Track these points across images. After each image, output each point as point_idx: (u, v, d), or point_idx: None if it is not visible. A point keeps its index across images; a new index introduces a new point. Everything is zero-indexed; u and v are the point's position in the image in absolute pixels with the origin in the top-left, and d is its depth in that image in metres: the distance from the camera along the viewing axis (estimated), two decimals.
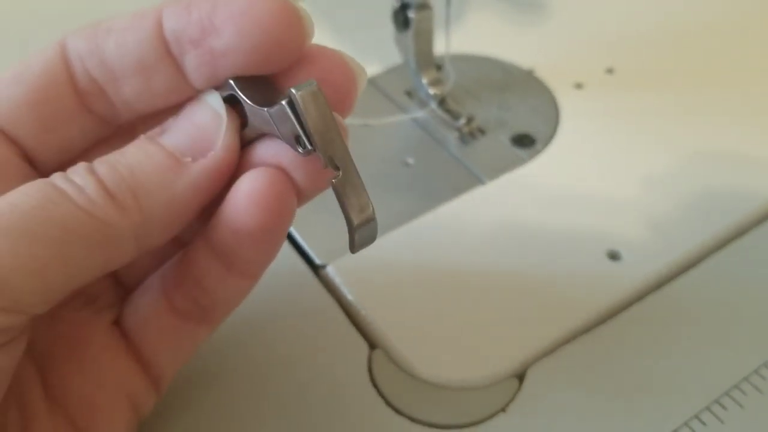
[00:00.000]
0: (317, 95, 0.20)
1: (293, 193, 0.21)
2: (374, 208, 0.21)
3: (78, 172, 0.20)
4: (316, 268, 0.31)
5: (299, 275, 0.31)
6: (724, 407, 0.26)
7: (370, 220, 0.21)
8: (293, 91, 0.19)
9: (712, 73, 0.40)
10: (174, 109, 0.23)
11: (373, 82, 0.40)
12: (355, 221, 0.21)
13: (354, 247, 0.21)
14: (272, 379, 0.28)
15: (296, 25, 0.20)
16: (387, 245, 0.31)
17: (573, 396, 0.27)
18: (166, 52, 0.21)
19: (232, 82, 0.21)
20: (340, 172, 0.20)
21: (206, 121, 0.21)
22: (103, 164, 0.20)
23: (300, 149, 0.20)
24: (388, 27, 0.37)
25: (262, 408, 0.27)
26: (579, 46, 0.42)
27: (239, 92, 0.21)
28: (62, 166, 0.22)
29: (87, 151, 0.23)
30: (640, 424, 0.26)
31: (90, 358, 0.23)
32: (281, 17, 0.20)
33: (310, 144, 0.20)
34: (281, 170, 0.21)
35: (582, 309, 0.29)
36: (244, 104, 0.21)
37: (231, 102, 0.21)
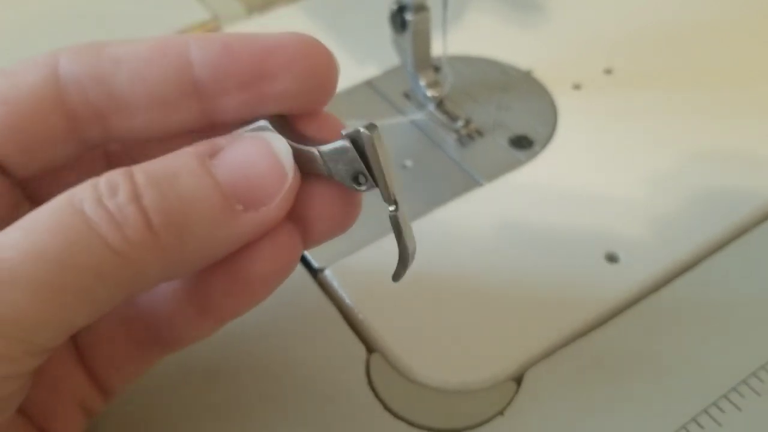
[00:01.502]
0: (381, 136, 0.21)
1: (299, 254, 0.22)
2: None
3: (119, 197, 0.18)
4: (314, 272, 0.31)
5: (297, 279, 0.31)
6: (721, 410, 0.26)
7: (415, 252, 0.23)
8: (363, 130, 0.20)
9: (710, 74, 0.40)
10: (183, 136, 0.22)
11: (371, 84, 0.40)
12: (410, 252, 0.22)
13: (399, 276, 0.23)
14: (270, 383, 0.28)
15: (335, 70, 0.21)
16: (385, 248, 0.31)
17: (571, 399, 0.27)
18: (191, 91, 0.21)
19: (267, 122, 0.21)
20: (399, 207, 0.21)
21: (269, 172, 0.20)
22: (151, 190, 0.18)
23: (358, 186, 0.21)
24: (386, 29, 0.37)
25: (261, 411, 0.27)
26: (577, 47, 0.42)
27: (279, 133, 0.21)
28: (43, 179, 0.21)
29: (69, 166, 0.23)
30: (638, 426, 0.26)
31: (45, 366, 0.22)
32: (326, 63, 0.21)
33: (375, 181, 0.21)
34: (293, 228, 0.21)
35: (580, 312, 0.29)
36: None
37: None
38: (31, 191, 0.23)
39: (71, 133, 0.21)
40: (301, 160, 0.21)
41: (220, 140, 0.20)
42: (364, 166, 0.21)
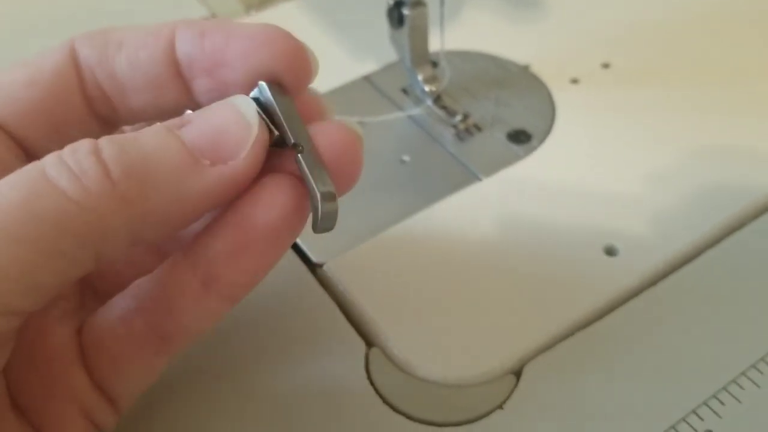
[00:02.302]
0: (280, 87, 0.21)
1: (307, 208, 0.21)
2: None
3: (79, 152, 0.19)
4: (313, 267, 0.31)
5: (296, 273, 0.31)
6: (721, 402, 0.26)
7: (333, 196, 0.21)
8: (260, 82, 0.21)
9: (707, 69, 0.40)
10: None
11: (369, 79, 0.40)
12: (319, 191, 0.21)
13: (318, 223, 0.21)
14: (270, 377, 0.28)
15: (304, 63, 0.21)
16: (383, 243, 0.31)
17: (570, 392, 0.27)
18: (177, 73, 0.22)
19: (265, 85, 0.21)
20: (302, 149, 0.21)
21: (232, 126, 0.20)
22: (112, 145, 0.19)
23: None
24: (384, 25, 0.37)
25: (260, 405, 0.27)
26: (574, 42, 0.42)
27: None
28: None
29: None
30: (638, 419, 0.26)
31: (44, 365, 0.22)
32: (292, 55, 0.21)
33: (277, 129, 0.21)
34: (294, 178, 0.21)
35: (579, 305, 0.29)
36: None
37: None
38: None
39: (89, 112, 0.22)
40: None
41: (189, 114, 0.21)
42: (269, 117, 0.21)
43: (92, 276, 0.24)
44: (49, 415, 0.22)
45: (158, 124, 0.20)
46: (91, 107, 0.23)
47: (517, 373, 0.28)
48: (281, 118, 0.21)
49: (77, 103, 0.22)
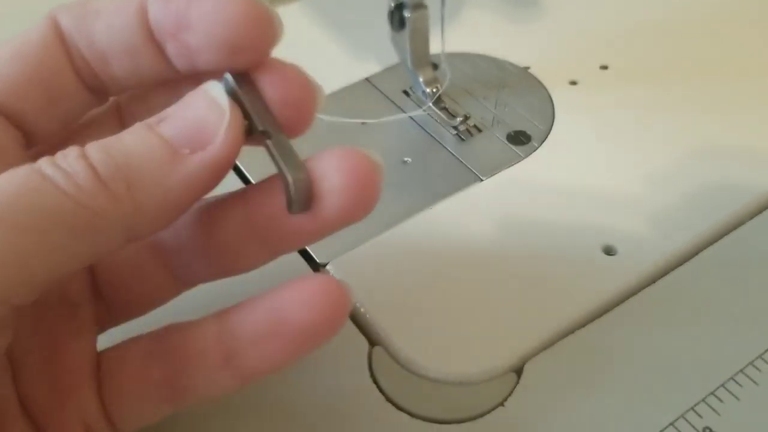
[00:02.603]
0: (246, 77, 0.21)
1: (349, 304, 0.21)
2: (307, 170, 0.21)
3: (68, 157, 0.19)
4: (317, 266, 0.31)
5: (300, 273, 0.31)
6: (720, 399, 0.26)
7: (304, 179, 0.21)
8: (225, 75, 0.21)
9: (704, 69, 0.40)
10: (161, 86, 0.24)
11: (370, 81, 0.40)
12: (292, 181, 0.21)
13: (290, 207, 0.21)
14: (273, 376, 0.27)
15: (265, 26, 0.21)
16: (385, 243, 0.32)
17: (570, 390, 0.27)
18: (150, 38, 0.22)
19: (230, 76, 0.21)
20: (271, 136, 0.21)
21: (206, 113, 0.21)
22: (97, 149, 0.20)
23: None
24: (385, 27, 0.37)
25: (263, 404, 0.27)
26: (573, 44, 0.42)
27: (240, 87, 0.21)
28: (58, 145, 0.21)
29: (83, 130, 0.24)
30: (637, 416, 0.26)
31: (57, 376, 0.22)
32: (251, 17, 0.21)
33: (244, 117, 0.21)
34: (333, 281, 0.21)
35: (578, 304, 0.30)
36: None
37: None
38: None
39: (79, 82, 0.23)
40: None
41: (167, 110, 0.21)
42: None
43: (106, 291, 0.24)
44: (54, 426, 0.22)
45: (138, 123, 0.21)
46: (79, 77, 0.23)
47: (518, 371, 0.28)
48: (247, 106, 0.21)
49: (67, 73, 0.23)
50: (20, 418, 0.21)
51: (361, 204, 0.21)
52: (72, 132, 0.25)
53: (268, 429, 0.27)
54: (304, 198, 0.21)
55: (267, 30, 0.21)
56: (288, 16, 0.44)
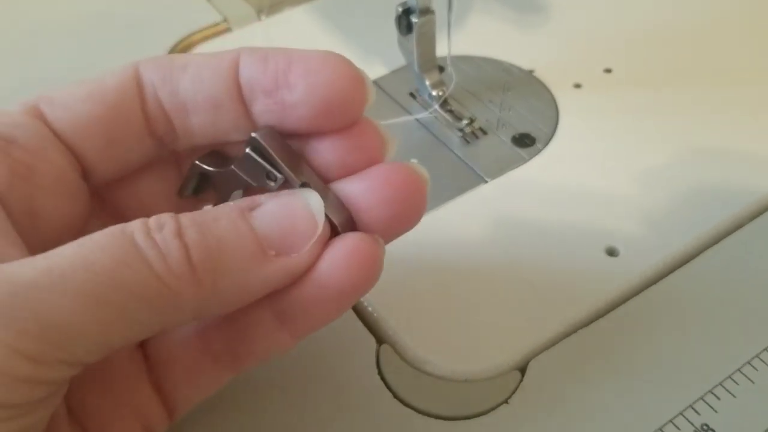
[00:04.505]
0: (273, 132, 0.22)
1: (382, 257, 0.22)
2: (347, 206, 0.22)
3: (164, 230, 0.20)
4: None
5: None
6: (717, 397, 0.27)
7: (348, 218, 0.22)
8: (253, 134, 0.22)
9: (707, 72, 0.41)
10: (228, 145, 0.24)
11: (377, 84, 0.41)
12: (341, 221, 0.22)
13: None
14: (285, 373, 0.28)
15: (360, 88, 0.22)
16: (393, 243, 0.32)
17: (573, 387, 0.28)
18: (238, 95, 0.22)
19: (257, 135, 0.22)
20: (311, 186, 0.22)
21: (301, 222, 0.21)
22: (193, 229, 0.20)
23: (272, 183, 0.22)
24: (392, 30, 0.37)
25: (276, 400, 0.28)
26: (577, 48, 0.42)
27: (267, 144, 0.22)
28: (115, 183, 0.22)
29: (139, 172, 0.24)
30: (637, 414, 0.27)
31: (109, 379, 0.23)
32: (348, 79, 0.22)
33: (280, 172, 0.22)
34: (372, 234, 0.22)
35: (581, 304, 0.30)
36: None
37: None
38: (107, 202, 0.25)
39: (146, 129, 0.23)
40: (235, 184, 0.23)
41: (259, 197, 0.22)
42: (269, 164, 0.22)
43: None
44: (111, 429, 0.22)
45: (231, 205, 0.21)
46: (149, 126, 0.23)
47: (522, 369, 0.28)
48: (280, 162, 0.22)
49: (136, 120, 0.23)
50: (68, 426, 0.22)
51: (405, 220, 0.23)
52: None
53: (278, 424, 0.27)
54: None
55: (362, 91, 0.22)
56: (297, 19, 0.45)
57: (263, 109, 0.22)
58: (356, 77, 0.22)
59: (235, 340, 0.23)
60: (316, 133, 0.23)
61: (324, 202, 0.22)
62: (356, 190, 0.22)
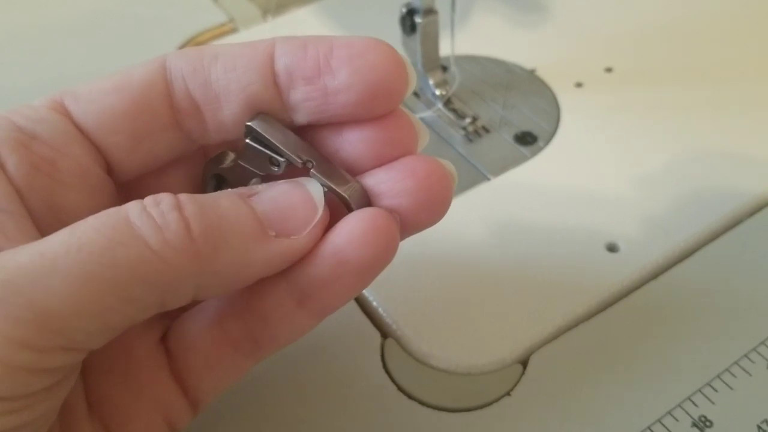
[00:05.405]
0: (268, 117, 0.22)
1: (398, 231, 0.22)
2: (354, 178, 0.22)
3: (162, 205, 0.19)
4: None
5: None
6: (715, 389, 0.27)
7: (356, 188, 0.22)
8: (248, 123, 0.22)
9: (706, 72, 0.41)
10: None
11: None
12: (345, 193, 0.22)
13: None
14: (290, 367, 0.29)
15: (403, 73, 0.22)
16: None
17: (573, 380, 0.28)
18: (273, 83, 0.22)
19: (254, 121, 0.22)
20: (314, 164, 0.22)
21: (300, 205, 0.21)
22: (192, 202, 0.20)
23: (276, 168, 0.22)
24: (396, 29, 0.38)
25: (280, 394, 0.28)
26: (579, 47, 0.43)
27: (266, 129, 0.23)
28: (142, 178, 0.22)
29: (167, 167, 0.24)
30: (637, 405, 0.27)
31: (131, 373, 0.22)
32: (393, 63, 0.21)
33: (281, 156, 0.22)
34: (386, 209, 0.22)
35: (583, 298, 0.30)
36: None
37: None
38: (135, 197, 0.24)
39: (173, 123, 0.23)
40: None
41: (257, 187, 0.22)
42: (269, 150, 0.22)
43: None
44: (133, 423, 0.22)
45: (230, 191, 0.21)
46: (176, 119, 0.23)
47: (524, 363, 0.29)
48: (279, 146, 0.22)
49: (163, 113, 0.23)
50: (87, 421, 0.21)
51: (431, 213, 0.22)
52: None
53: (284, 418, 0.27)
54: (362, 205, 0.22)
55: (405, 76, 0.22)
56: (302, 20, 0.45)
57: (303, 98, 0.22)
58: (399, 62, 0.22)
59: (254, 326, 0.22)
60: (353, 121, 0.22)
61: (330, 179, 0.22)
62: (380, 179, 0.22)
